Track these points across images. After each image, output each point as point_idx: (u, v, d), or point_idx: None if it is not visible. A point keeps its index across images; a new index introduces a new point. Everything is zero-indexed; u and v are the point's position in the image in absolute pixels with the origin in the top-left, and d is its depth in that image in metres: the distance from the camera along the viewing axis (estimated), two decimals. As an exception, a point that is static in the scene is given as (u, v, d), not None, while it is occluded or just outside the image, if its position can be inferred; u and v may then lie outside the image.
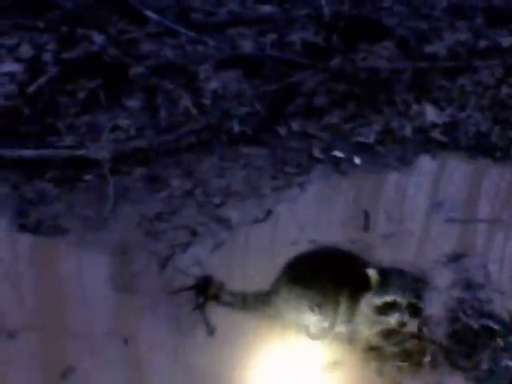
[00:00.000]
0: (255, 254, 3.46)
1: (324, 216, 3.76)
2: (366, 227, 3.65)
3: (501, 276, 3.37)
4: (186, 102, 4.48)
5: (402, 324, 2.77)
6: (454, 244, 3.57)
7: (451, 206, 3.85)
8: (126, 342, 2.97)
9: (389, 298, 2.78)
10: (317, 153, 4.21)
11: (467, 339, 2.96)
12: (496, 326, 3.02)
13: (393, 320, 2.77)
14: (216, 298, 3.13)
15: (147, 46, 5.07)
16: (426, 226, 3.76)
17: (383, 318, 2.79)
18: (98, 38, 5.09)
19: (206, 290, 3.14)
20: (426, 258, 3.45)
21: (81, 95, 4.55)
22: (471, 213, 3.90)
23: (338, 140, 4.32)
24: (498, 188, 4.13)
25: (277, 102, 4.50)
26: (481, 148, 4.31)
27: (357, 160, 4.17)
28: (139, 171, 4.00)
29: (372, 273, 2.81)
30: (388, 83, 4.73)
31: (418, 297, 2.80)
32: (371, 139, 4.33)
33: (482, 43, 5.36)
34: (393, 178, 4.13)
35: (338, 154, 4.21)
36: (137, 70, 4.78)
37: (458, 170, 4.25)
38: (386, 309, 2.78)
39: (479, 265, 3.41)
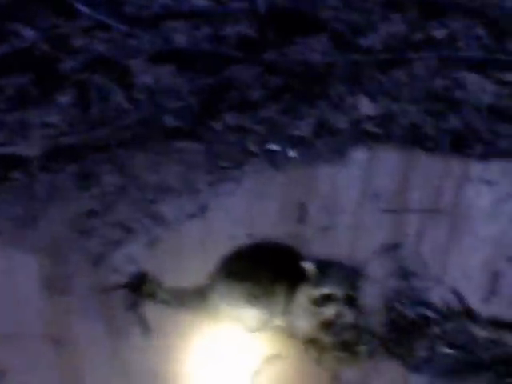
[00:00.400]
0: (191, 250, 3.41)
1: (260, 210, 3.73)
2: (301, 220, 3.64)
3: (435, 265, 3.39)
4: (118, 96, 4.41)
5: (340, 315, 2.77)
6: (390, 234, 3.58)
7: (386, 197, 3.86)
8: (58, 343, 2.90)
9: (326, 290, 2.78)
10: (252, 147, 4.17)
11: (403, 328, 2.98)
12: (432, 314, 3.04)
13: (330, 311, 2.77)
14: (151, 295, 3.09)
15: (78, 41, 4.96)
16: (361, 217, 3.76)
17: (320, 310, 2.80)
18: (28, 33, 4.98)
19: (140, 288, 3.09)
20: (362, 249, 3.45)
21: (10, 91, 4.44)
22: (405, 203, 3.91)
23: (273, 133, 4.30)
24: (430, 178, 4.16)
25: (211, 96, 4.46)
26: (414, 139, 4.34)
27: (292, 153, 4.15)
28: (70, 168, 3.91)
29: (308, 265, 2.80)
30: (322, 76, 4.73)
31: (355, 288, 2.81)
32: (306, 132, 4.32)
33: (417, 36, 5.39)
34: (328, 170, 4.12)
35: (273, 147, 4.19)
36: (68, 65, 4.68)
37: (391, 160, 4.26)
38: (323, 300, 2.79)
39: (414, 254, 3.43)
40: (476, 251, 3.50)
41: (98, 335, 2.96)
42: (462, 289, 3.22)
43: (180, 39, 5.05)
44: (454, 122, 4.47)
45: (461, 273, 3.39)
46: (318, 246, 3.41)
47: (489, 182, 4.01)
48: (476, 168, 4.16)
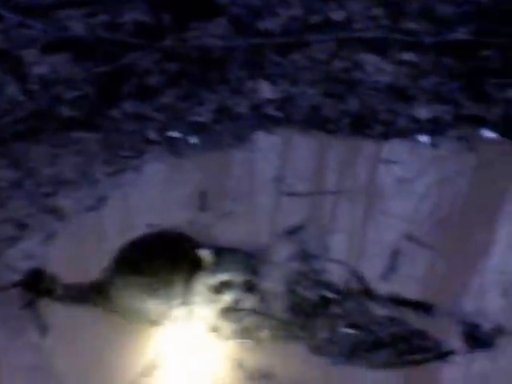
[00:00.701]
0: (90, 244, 3.35)
1: (161, 199, 3.69)
2: (202, 207, 3.62)
3: (336, 246, 3.42)
4: (12, 88, 4.29)
5: (239, 301, 2.76)
6: (294, 217, 3.58)
7: (292, 180, 3.87)
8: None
9: (223, 277, 2.77)
10: (151, 134, 4.12)
11: (304, 310, 2.99)
12: (332, 295, 3.06)
13: (228, 298, 2.76)
14: (48, 292, 3.01)
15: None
16: (266, 201, 3.75)
17: (219, 297, 2.78)
18: None
19: (36, 285, 3.01)
20: (265, 233, 3.46)
21: None
22: (311, 185, 3.93)
23: (173, 120, 4.26)
24: (338, 159, 4.20)
25: (109, 84, 4.38)
26: (314, 121, 4.36)
27: (193, 140, 4.13)
28: (-38, 163, 3.81)
29: (204, 253, 2.79)
30: (221, 61, 4.70)
31: (254, 273, 2.81)
32: (207, 118, 4.29)
33: (315, 18, 5.41)
34: (232, 155, 4.11)
35: (174, 134, 4.15)
36: (-42, 57, 4.53)
37: (297, 143, 4.28)
38: (221, 287, 2.78)
39: (316, 236, 3.45)
40: (375, 230, 3.55)
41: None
42: (364, 268, 3.25)
43: (76, 27, 4.95)
44: (352, 103, 4.51)
45: (362, 252, 3.43)
46: (219, 232, 3.39)
47: (394, 162, 4.08)
48: (378, 148, 4.23)
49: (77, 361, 2.80)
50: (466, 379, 2.87)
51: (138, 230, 3.28)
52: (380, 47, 5.04)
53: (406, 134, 4.31)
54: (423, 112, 4.46)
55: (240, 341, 2.88)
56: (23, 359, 2.79)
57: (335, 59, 4.93)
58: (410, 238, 3.48)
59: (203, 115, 4.31)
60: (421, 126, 4.35)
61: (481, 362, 2.91)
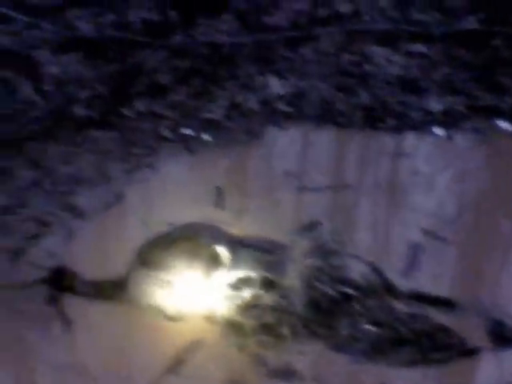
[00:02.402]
0: (109, 240, 3.39)
1: (176, 196, 3.71)
2: (218, 204, 3.65)
3: (355, 241, 3.44)
4: (26, 89, 4.32)
5: (257, 298, 2.78)
6: (310, 213, 3.59)
7: (305, 175, 3.90)
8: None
9: (241, 273, 2.79)
10: (165, 132, 4.16)
11: (324, 307, 3.00)
12: (352, 292, 3.07)
13: (247, 294, 2.78)
14: (71, 289, 3.06)
15: (-20, 35, 4.84)
16: (280, 197, 3.78)
17: (238, 294, 2.80)
18: None
19: (59, 282, 3.06)
20: (282, 229, 3.47)
21: None
22: (325, 180, 3.95)
23: (186, 118, 4.29)
24: (351, 154, 4.22)
25: (120, 83, 4.41)
26: (326, 115, 4.38)
27: (205, 137, 4.16)
28: (-19, 164, 3.84)
29: (222, 250, 2.81)
30: (230, 57, 4.73)
31: (272, 269, 2.83)
32: (218, 115, 4.32)
33: (322, 11, 5.42)
34: (245, 151, 4.14)
35: (186, 131, 4.18)
36: (-29, 59, 4.56)
37: (307, 139, 4.31)
38: (239, 284, 2.80)
39: (334, 232, 3.46)
40: (397, 226, 3.56)
41: (19, 330, 2.92)
42: (384, 264, 3.26)
43: (84, 27, 4.97)
44: (364, 96, 4.53)
45: (382, 248, 3.45)
46: (236, 229, 3.42)
47: (407, 155, 4.10)
48: (393, 142, 4.25)
49: (100, 356, 2.83)
50: (491, 377, 2.86)
51: (156, 227, 3.32)
52: (389, 39, 5.05)
53: (419, 126, 4.33)
54: (436, 104, 4.47)
55: (260, 337, 2.90)
56: (48, 354, 2.83)
57: (344, 52, 4.95)
58: (430, 233, 3.49)
59: (215, 112, 4.34)
60: (434, 118, 4.37)
61: (507, 359, 2.91)
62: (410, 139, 4.24)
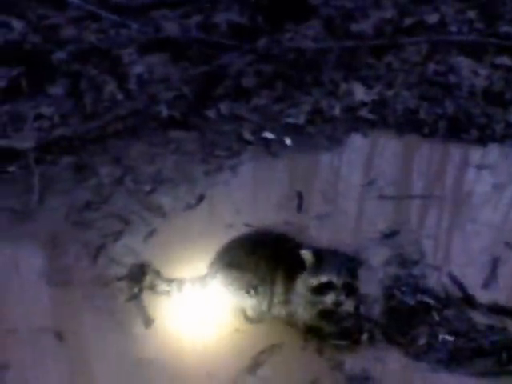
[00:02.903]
0: (190, 240, 3.40)
1: (257, 198, 3.73)
2: (299, 208, 3.63)
3: (435, 251, 3.39)
4: (110, 87, 4.39)
5: (338, 303, 2.76)
6: (388, 221, 3.56)
7: (384, 183, 3.86)
8: (60, 336, 2.89)
9: (324, 278, 2.77)
10: (247, 135, 4.17)
11: (403, 315, 2.97)
12: (431, 301, 3.03)
13: (329, 300, 2.76)
14: (152, 286, 3.08)
15: (68, 31, 4.94)
16: (359, 204, 3.76)
17: (319, 298, 2.78)
18: (18, 25, 4.95)
19: (140, 279, 3.08)
20: (361, 236, 3.45)
21: (1, 84, 4.41)
22: (404, 189, 3.91)
23: (268, 121, 4.29)
24: (429, 164, 4.17)
25: (204, 84, 4.45)
26: (409, 124, 4.34)
27: (287, 141, 4.15)
28: (65, 160, 3.91)
29: (306, 254, 2.79)
30: (315, 63, 4.72)
31: (353, 276, 2.80)
32: (301, 120, 4.31)
33: (408, 20, 5.38)
34: (325, 157, 4.13)
35: (269, 135, 4.18)
36: (59, 56, 4.66)
37: (389, 147, 4.28)
38: (321, 289, 2.77)
39: (413, 241, 3.43)
40: (475, 237, 3.50)
41: (100, 327, 2.95)
42: (461, 275, 3.21)
43: (171, 28, 5.04)
44: (448, 106, 4.47)
45: (460, 259, 3.39)
46: (316, 233, 3.41)
47: (489, 167, 4.03)
48: (475, 153, 4.18)
49: (180, 354, 2.84)
50: None
51: (237, 229, 3.32)
52: (475, 50, 4.99)
53: (503, 138, 4.26)
54: (520, 117, 4.40)
55: (338, 342, 2.88)
56: (129, 351, 2.85)
57: (430, 62, 4.89)
58: (509, 245, 3.42)
59: (297, 117, 4.33)
60: (518, 131, 4.30)
61: None
62: (490, 151, 4.17)
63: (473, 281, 3.19)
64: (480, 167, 4.04)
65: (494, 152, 4.19)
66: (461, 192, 3.91)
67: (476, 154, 4.18)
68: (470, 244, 3.45)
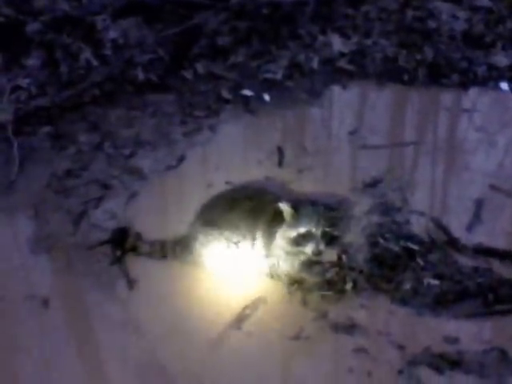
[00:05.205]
0: (171, 202, 3.40)
1: (238, 156, 3.70)
2: (280, 163, 3.61)
3: (417, 198, 3.37)
4: (86, 54, 4.34)
5: (318, 252, 2.76)
6: (372, 171, 3.55)
7: (367, 133, 3.84)
8: (46, 303, 2.89)
9: (302, 229, 2.76)
10: (225, 93, 4.13)
11: (387, 262, 2.97)
12: (415, 247, 3.02)
13: (308, 250, 2.76)
14: (134, 249, 3.08)
15: (41, 2, 4.87)
16: (341, 155, 3.73)
17: (299, 249, 2.78)
18: (-12, -1, 4.88)
19: (122, 243, 3.08)
20: (344, 187, 3.43)
21: (-25, 58, 4.38)
22: (385, 138, 3.88)
23: (246, 79, 4.25)
24: (410, 113, 4.14)
25: (180, 45, 4.40)
26: (389, 73, 4.30)
27: (266, 97, 4.12)
28: (44, 129, 3.88)
29: (284, 206, 2.78)
30: (291, 16, 4.66)
31: (333, 225, 2.79)
32: (279, 75, 4.27)
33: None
34: (305, 111, 4.09)
35: (247, 92, 4.15)
36: (33, 27, 4.60)
37: (368, 97, 4.24)
38: (300, 240, 2.77)
39: (395, 189, 3.41)
40: (456, 181, 3.49)
41: (84, 291, 2.96)
42: (446, 219, 3.21)
43: (144, -9, 4.97)
44: (428, 52, 4.42)
45: (443, 203, 3.38)
46: (298, 187, 3.39)
47: (475, 111, 4.00)
48: (457, 98, 4.15)
49: (163, 314, 2.85)
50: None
51: (218, 187, 3.31)
52: (453, -6, 4.93)
53: (484, 82, 4.22)
54: (501, 59, 4.35)
55: (323, 293, 2.87)
56: (113, 312, 2.86)
57: (408, 8, 4.84)
58: (494, 187, 3.40)
59: (275, 72, 4.29)
60: (500, 74, 4.25)
61: None
62: (475, 95, 4.13)
63: (458, 224, 3.19)
64: (466, 111, 4.01)
65: (479, 96, 4.16)
66: (445, 138, 3.90)
67: (462, 98, 4.15)
68: (453, 188, 3.45)
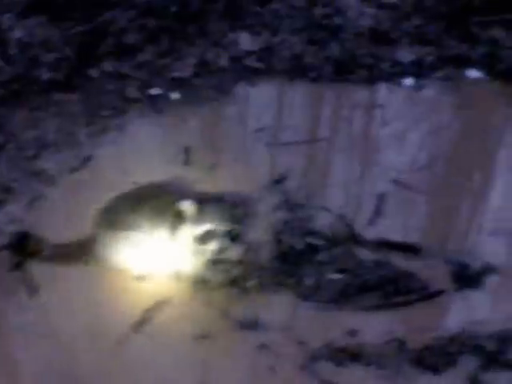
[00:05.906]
0: (75, 203, 3.34)
1: (145, 156, 3.67)
2: (186, 162, 3.60)
3: (322, 194, 3.41)
4: (-11, 54, 4.24)
5: (222, 250, 2.77)
6: (279, 168, 3.57)
7: (276, 131, 3.86)
8: None
9: (205, 227, 2.77)
10: (132, 92, 4.09)
11: (292, 258, 3.00)
12: (319, 242, 3.06)
13: (212, 247, 2.77)
14: (36, 253, 3.02)
15: None
16: (248, 153, 3.74)
17: (202, 247, 2.79)
18: None
19: (23, 247, 3.02)
20: (251, 184, 3.44)
21: None
22: (297, 135, 3.90)
23: (154, 77, 4.22)
24: (321, 109, 4.17)
25: (86, 44, 4.33)
26: (296, 70, 4.32)
27: (174, 96, 4.10)
28: None
29: (186, 205, 2.78)
30: (200, 14, 4.64)
31: (238, 223, 2.81)
32: (187, 73, 4.25)
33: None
34: (214, 109, 4.08)
35: (155, 91, 4.12)
36: None
37: (279, 94, 4.26)
38: (205, 238, 2.78)
39: (302, 186, 3.44)
40: (360, 176, 3.54)
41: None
42: (348, 215, 3.25)
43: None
44: (335, 49, 4.46)
45: (350, 199, 3.43)
46: (205, 186, 3.38)
47: (380, 107, 4.06)
48: (363, 93, 4.20)
49: (68, 318, 2.81)
50: (458, 317, 2.87)
51: (124, 188, 3.26)
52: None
53: (389, 77, 4.29)
54: (406, 55, 4.42)
55: (227, 290, 2.88)
56: (15, 319, 2.82)
57: (316, 6, 4.87)
58: (396, 182, 3.47)
59: (183, 70, 4.27)
60: (404, 69, 4.32)
61: (472, 299, 2.93)
62: (380, 90, 4.19)
63: (361, 219, 3.25)
64: (372, 107, 4.07)
65: (384, 91, 4.22)
66: (351, 133, 3.95)
67: (367, 94, 4.20)
68: (357, 183, 3.50)
